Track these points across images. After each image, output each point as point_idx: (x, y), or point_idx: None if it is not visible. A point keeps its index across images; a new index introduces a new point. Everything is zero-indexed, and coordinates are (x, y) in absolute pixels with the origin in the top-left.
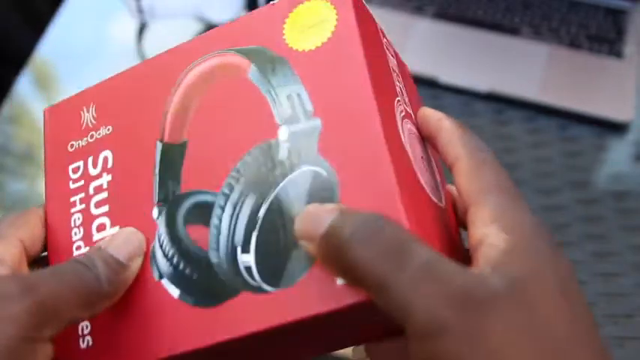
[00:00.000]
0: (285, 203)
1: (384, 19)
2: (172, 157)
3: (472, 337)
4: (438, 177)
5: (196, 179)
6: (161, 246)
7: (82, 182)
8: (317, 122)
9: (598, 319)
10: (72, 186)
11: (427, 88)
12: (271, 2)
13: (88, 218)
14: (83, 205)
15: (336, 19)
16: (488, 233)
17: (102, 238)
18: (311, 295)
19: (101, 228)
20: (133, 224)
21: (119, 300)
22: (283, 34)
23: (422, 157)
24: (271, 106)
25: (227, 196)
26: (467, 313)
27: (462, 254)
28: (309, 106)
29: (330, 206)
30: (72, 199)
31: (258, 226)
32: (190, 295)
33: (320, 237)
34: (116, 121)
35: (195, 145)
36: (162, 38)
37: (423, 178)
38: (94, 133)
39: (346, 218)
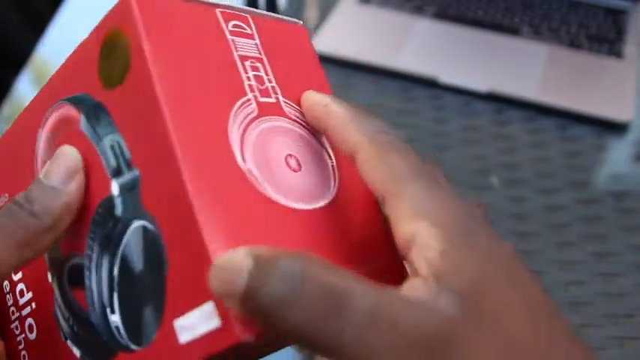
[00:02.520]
0: (130, 261)
1: (384, 19)
2: None
3: None
4: (333, 171)
5: (68, 241)
6: (60, 308)
7: None
8: (136, 173)
9: (598, 319)
10: None
11: (427, 88)
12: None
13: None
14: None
15: (129, 44)
16: (417, 232)
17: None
18: (170, 349)
19: (21, 294)
20: (42, 285)
21: None
22: (98, 74)
23: (290, 156)
24: (102, 159)
25: (90, 258)
26: (426, 357)
27: (386, 251)
28: (128, 155)
29: (239, 256)
30: None
31: (116, 286)
32: (88, 355)
33: (240, 301)
34: (8, 188)
35: None
36: None
37: (280, 188)
38: (2, 199)
39: (262, 275)
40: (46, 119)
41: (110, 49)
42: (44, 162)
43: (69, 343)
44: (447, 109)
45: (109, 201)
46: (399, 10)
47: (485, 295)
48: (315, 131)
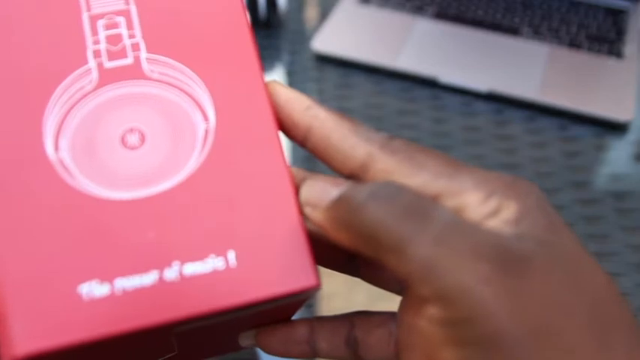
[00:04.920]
0: None
1: (384, 19)
2: None
3: (515, 296)
4: (205, 136)
5: None
6: None
7: None
8: None
9: None
10: None
11: (427, 88)
12: None
13: None
14: None
15: None
16: (495, 207)
17: None
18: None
19: None
20: None
21: None
22: None
23: (131, 131)
24: None
25: None
26: (506, 271)
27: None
28: None
29: (335, 181)
30: None
31: None
32: None
33: (331, 201)
34: None
35: None
36: None
37: (102, 175)
38: None
39: (359, 186)
40: None
41: None
42: None
43: None
44: (447, 109)
45: None
46: (399, 10)
47: (561, 247)
48: (189, 87)
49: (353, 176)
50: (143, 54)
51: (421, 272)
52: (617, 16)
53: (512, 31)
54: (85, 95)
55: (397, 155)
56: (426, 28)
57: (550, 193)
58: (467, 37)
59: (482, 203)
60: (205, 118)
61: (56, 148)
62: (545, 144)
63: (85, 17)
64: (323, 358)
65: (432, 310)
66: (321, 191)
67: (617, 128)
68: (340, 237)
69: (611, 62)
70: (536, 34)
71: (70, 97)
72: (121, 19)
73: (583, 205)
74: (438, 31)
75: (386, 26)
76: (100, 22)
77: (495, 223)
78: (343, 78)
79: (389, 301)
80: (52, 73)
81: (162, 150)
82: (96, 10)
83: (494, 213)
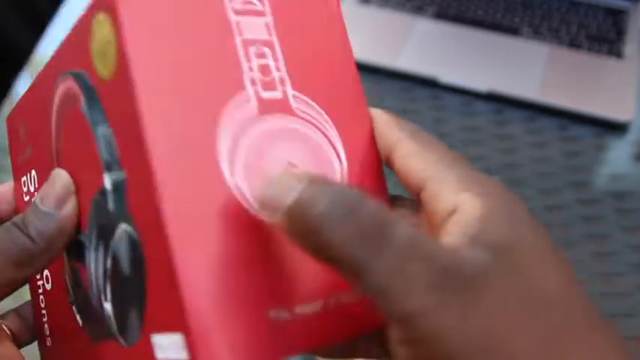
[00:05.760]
0: (119, 260)
1: (384, 19)
2: None
3: (466, 315)
4: (341, 179)
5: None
6: (67, 274)
7: (28, 197)
8: (122, 174)
9: None
10: (24, 199)
11: (427, 88)
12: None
13: None
14: None
15: (116, 41)
16: (461, 202)
17: None
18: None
19: None
20: None
21: (55, 325)
22: (91, 56)
23: (290, 166)
24: (97, 147)
25: (89, 239)
26: (458, 291)
27: None
28: (117, 152)
29: (298, 173)
30: None
31: (108, 278)
32: (87, 326)
33: (286, 209)
34: (32, 141)
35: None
36: None
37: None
38: (26, 150)
39: (317, 190)
40: (57, 87)
41: (97, 36)
42: (57, 135)
43: (74, 308)
44: (447, 109)
45: (104, 192)
46: (399, 10)
47: (519, 252)
48: (326, 130)
49: (388, 156)
50: (289, 90)
51: (377, 298)
52: (617, 16)
53: (512, 31)
54: (248, 123)
55: (416, 141)
56: (426, 28)
57: (550, 193)
58: (467, 37)
59: (455, 195)
60: (340, 160)
61: (232, 173)
62: (545, 144)
63: (239, 42)
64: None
65: (394, 331)
66: (283, 189)
67: (617, 128)
68: (300, 247)
69: (611, 62)
70: (536, 34)
71: (236, 124)
72: (267, 50)
73: (583, 205)
74: (438, 31)
75: (386, 26)
76: (252, 50)
77: (457, 228)
78: None
79: None
80: (217, 96)
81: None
82: (247, 36)
83: (461, 210)
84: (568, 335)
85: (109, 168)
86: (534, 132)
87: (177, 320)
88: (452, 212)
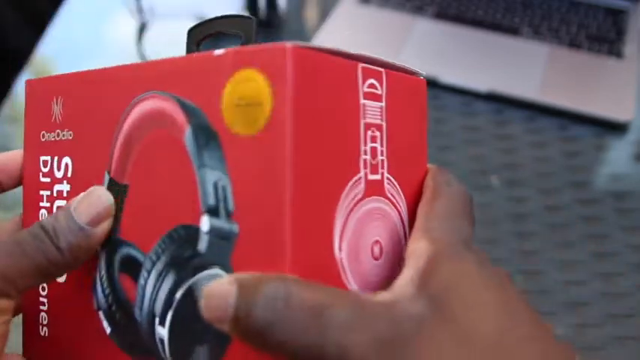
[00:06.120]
0: (197, 295)
1: (384, 19)
2: (116, 194)
3: None
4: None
5: (131, 230)
6: (101, 279)
7: (49, 179)
8: (235, 228)
9: (598, 319)
10: (42, 179)
11: (427, 88)
12: (216, 52)
13: None
14: (48, 204)
15: (272, 104)
16: (417, 247)
17: None
18: None
19: None
20: None
21: (60, 318)
22: (221, 103)
23: (376, 243)
24: (198, 187)
25: (153, 264)
26: (397, 351)
27: None
28: (231, 205)
29: (225, 284)
30: (41, 192)
31: (174, 306)
32: (118, 336)
33: (230, 324)
34: (76, 128)
35: (134, 194)
36: (162, 38)
37: (358, 278)
38: (59, 131)
39: (247, 299)
40: (142, 100)
41: (239, 89)
42: (125, 145)
43: (100, 313)
44: (447, 109)
45: (194, 231)
46: (399, 10)
47: (459, 297)
48: (399, 206)
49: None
50: (386, 173)
51: None
52: (617, 16)
53: (512, 31)
54: (357, 203)
55: (432, 192)
56: (426, 28)
57: (550, 193)
58: (467, 37)
59: (416, 240)
60: (406, 238)
61: (340, 248)
62: (545, 144)
63: (362, 124)
64: None
65: None
66: (216, 308)
67: (617, 128)
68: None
69: (611, 62)
70: (536, 34)
71: (349, 203)
72: (378, 134)
73: (583, 205)
74: (438, 31)
75: (386, 26)
76: (369, 133)
77: (406, 274)
78: None
79: None
80: (340, 175)
81: (389, 264)
82: (368, 120)
83: (415, 256)
84: None
85: (212, 213)
86: (534, 132)
87: None
88: (410, 254)
